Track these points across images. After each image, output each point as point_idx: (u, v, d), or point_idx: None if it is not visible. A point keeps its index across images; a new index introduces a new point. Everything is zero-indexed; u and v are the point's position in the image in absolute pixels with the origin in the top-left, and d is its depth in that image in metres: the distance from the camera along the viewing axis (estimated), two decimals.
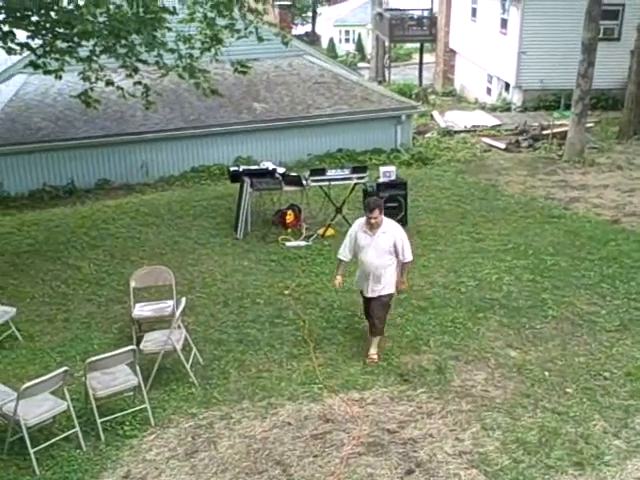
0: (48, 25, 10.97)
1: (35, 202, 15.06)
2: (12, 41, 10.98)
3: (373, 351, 8.28)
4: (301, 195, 12.80)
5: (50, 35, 11.11)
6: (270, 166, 13.07)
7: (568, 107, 18.59)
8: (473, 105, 26.45)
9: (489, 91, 26.77)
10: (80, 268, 11.17)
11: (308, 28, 56.54)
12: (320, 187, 12.55)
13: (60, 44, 11.20)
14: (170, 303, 8.87)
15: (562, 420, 7.11)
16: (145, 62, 11.68)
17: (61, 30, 10.95)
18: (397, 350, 8.47)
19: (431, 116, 23.44)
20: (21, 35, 11.19)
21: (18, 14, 10.79)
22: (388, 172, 12.82)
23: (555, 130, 18.82)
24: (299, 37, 34.59)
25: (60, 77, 11.65)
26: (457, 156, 17.90)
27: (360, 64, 42.84)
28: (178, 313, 7.91)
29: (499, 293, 9.93)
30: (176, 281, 9.19)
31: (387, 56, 36.46)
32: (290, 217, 12.62)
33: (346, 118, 17.58)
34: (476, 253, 11.39)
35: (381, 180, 12.70)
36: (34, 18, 10.90)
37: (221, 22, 12.01)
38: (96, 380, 7.12)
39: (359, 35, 50.93)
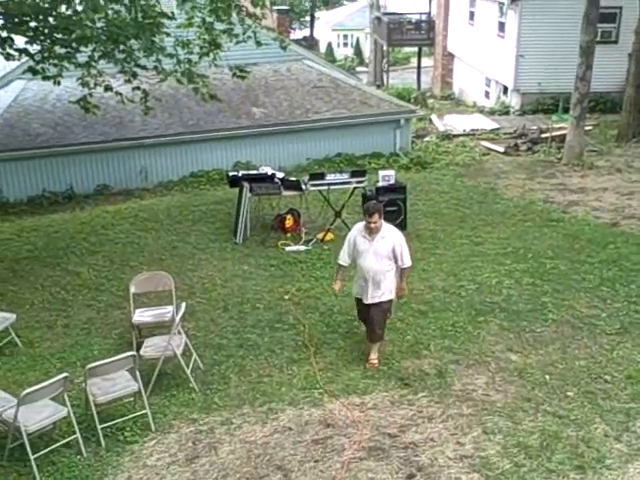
0: (46, 31, 10.97)
1: (34, 208, 15.05)
2: (10, 47, 10.97)
3: (373, 356, 8.27)
4: (300, 200, 12.80)
5: (48, 41, 11.11)
6: (269, 171, 13.08)
7: (566, 110, 18.64)
8: (471, 109, 26.48)
9: (487, 94, 26.82)
10: (79, 274, 11.16)
11: (306, 33, 56.61)
12: (319, 191, 12.55)
13: (59, 50, 11.20)
14: (170, 308, 8.87)
15: (563, 424, 7.10)
16: (144, 67, 11.67)
17: (59, 36, 10.94)
18: (397, 354, 8.46)
19: (430, 120, 23.47)
20: (19, 41, 11.18)
21: (16, 20, 10.78)
22: (387, 176, 12.83)
23: (554, 133, 18.85)
24: (297, 42, 34.59)
25: (59, 83, 11.63)
26: (456, 160, 17.92)
27: (358, 68, 42.93)
28: (178, 318, 7.90)
29: (499, 297, 9.93)
30: (176, 286, 9.18)
31: (385, 60, 36.53)
32: (289, 222, 12.62)
33: (345, 122, 17.60)
34: (475, 257, 11.39)
35: (380, 184, 12.71)
36: (32, 24, 10.89)
37: (219, 27, 12.02)
38: (96, 386, 7.11)
39: (357, 39, 51.05)
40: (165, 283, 9.09)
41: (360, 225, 8.22)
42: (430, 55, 36.22)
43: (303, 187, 12.42)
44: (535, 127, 20.30)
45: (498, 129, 21.38)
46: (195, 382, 7.94)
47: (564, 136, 17.78)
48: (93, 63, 11.40)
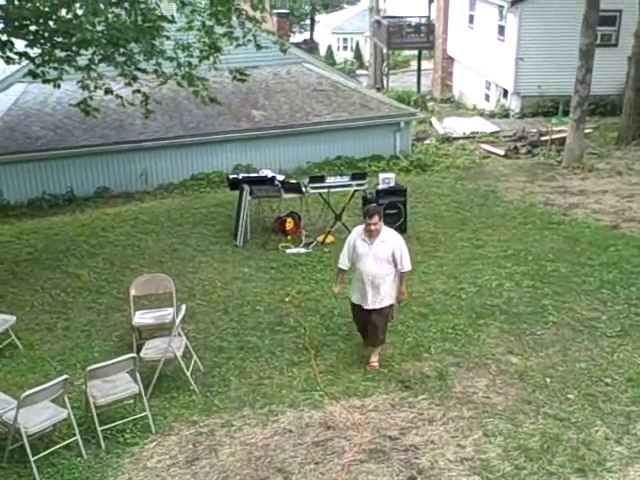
0: (47, 34, 10.98)
1: (34, 210, 15.05)
2: (11, 50, 10.99)
3: (374, 358, 8.26)
4: (300, 202, 12.81)
5: (49, 44, 11.12)
6: (269, 173, 13.09)
7: (566, 113, 18.66)
8: (471, 112, 26.49)
9: (487, 97, 26.83)
10: (80, 276, 11.16)
11: (306, 36, 56.70)
12: (319, 194, 12.55)
13: (59, 53, 11.21)
14: (170, 311, 8.86)
15: (564, 426, 7.10)
16: (144, 70, 11.70)
17: (60, 39, 10.96)
18: (398, 357, 8.45)
19: (430, 123, 23.47)
20: (20, 44, 11.20)
21: (17, 23, 10.80)
22: (387, 179, 12.83)
23: (554, 136, 18.85)
24: (297, 45, 34.67)
25: (59, 86, 11.68)
26: (456, 162, 17.93)
27: (358, 71, 42.94)
28: (178, 321, 7.90)
29: (499, 299, 9.92)
30: (176, 289, 9.18)
31: (385, 63, 36.56)
32: (290, 224, 12.62)
33: (345, 125, 17.60)
34: (476, 259, 11.39)
35: (380, 187, 12.71)
36: (33, 27, 10.91)
37: (219, 30, 12.05)
38: (96, 388, 7.11)
39: (357, 43, 51.10)
40: (165, 285, 9.10)
41: (360, 228, 8.18)
42: (430, 58, 36.25)
43: (303, 190, 12.43)
44: (535, 130, 20.31)
45: (498, 132, 21.39)
46: (195, 384, 7.94)
47: (564, 139, 17.79)
48: (93, 66, 11.42)
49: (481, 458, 6.66)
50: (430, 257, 11.52)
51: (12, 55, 11.09)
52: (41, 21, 10.85)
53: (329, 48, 50.28)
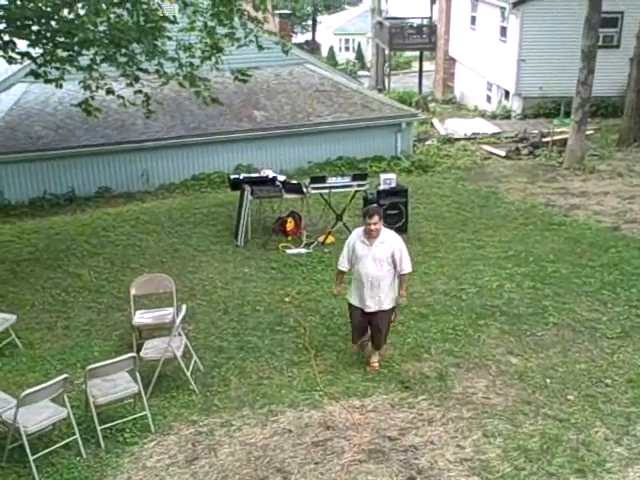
0: (49, 34, 10.99)
1: (35, 210, 15.06)
2: (13, 50, 11.00)
3: (374, 359, 8.25)
4: (301, 203, 12.81)
5: (51, 44, 11.13)
6: (270, 174, 13.09)
7: (568, 114, 18.64)
8: (473, 113, 26.50)
9: (489, 99, 26.83)
10: (80, 276, 11.16)
11: (308, 37, 56.72)
12: (320, 195, 12.56)
13: (61, 53, 11.21)
14: (170, 310, 8.87)
15: (563, 427, 7.09)
16: (145, 71, 11.70)
17: (62, 39, 10.96)
18: (398, 357, 8.45)
19: (431, 124, 23.48)
20: (22, 44, 11.22)
21: (19, 23, 10.81)
22: (388, 179, 12.84)
23: (555, 137, 18.85)
24: (299, 46, 34.67)
25: (61, 86, 11.68)
26: (457, 163, 17.93)
27: (360, 72, 42.95)
28: (178, 320, 7.90)
29: (500, 300, 9.92)
30: (176, 288, 9.18)
31: (387, 64, 36.57)
32: (290, 225, 12.62)
33: (346, 126, 17.60)
34: (477, 260, 11.38)
35: (381, 187, 12.71)
36: (35, 27, 10.91)
37: (221, 31, 12.05)
38: (96, 387, 7.11)
39: (359, 44, 51.11)
40: (166, 285, 9.10)
41: (359, 230, 8.11)
42: (432, 59, 36.26)
43: (304, 190, 12.43)
44: (536, 131, 20.32)
45: (499, 133, 21.39)
46: (195, 384, 7.94)
47: (565, 140, 17.79)
48: (95, 66, 11.42)
49: (481, 459, 6.65)
50: (431, 258, 11.52)
51: (14, 55, 11.09)
52: (43, 21, 10.86)
53: (331, 49, 50.28)
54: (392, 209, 12.40)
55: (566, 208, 14.12)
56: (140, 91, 12.14)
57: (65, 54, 11.16)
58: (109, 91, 12.02)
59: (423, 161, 17.73)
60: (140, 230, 13.21)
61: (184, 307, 8.16)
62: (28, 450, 6.50)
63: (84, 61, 11.37)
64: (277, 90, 18.67)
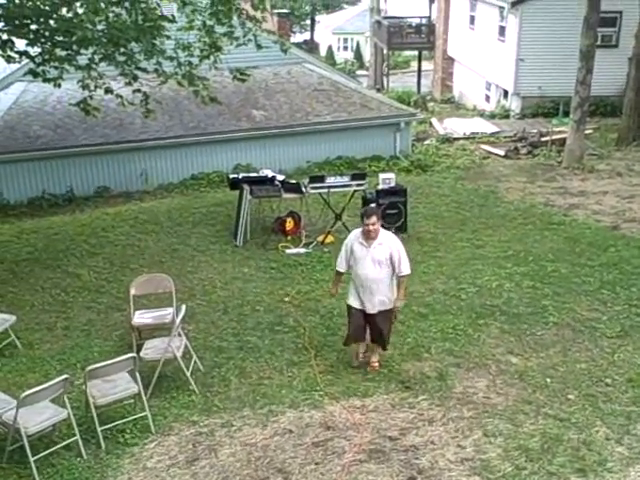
0: (47, 33, 10.96)
1: (34, 210, 15.04)
2: (11, 49, 10.97)
3: (374, 358, 8.24)
4: (300, 202, 12.80)
5: (49, 43, 11.10)
6: (269, 173, 13.08)
7: (567, 114, 18.65)
8: (472, 112, 26.48)
9: (488, 98, 26.83)
10: (79, 276, 11.15)
11: (307, 36, 56.69)
12: (319, 194, 12.55)
13: (59, 52, 11.18)
14: (170, 310, 8.85)
15: (564, 427, 7.09)
16: (144, 70, 11.67)
17: (60, 38, 10.93)
18: (398, 357, 8.44)
19: (430, 123, 23.47)
20: (20, 43, 11.19)
21: (17, 22, 10.78)
22: (387, 179, 12.83)
23: (554, 137, 18.85)
24: (298, 45, 34.62)
25: (59, 85, 11.64)
26: (456, 163, 17.93)
27: (359, 72, 42.92)
28: (178, 320, 7.89)
29: (499, 300, 9.92)
30: (176, 288, 9.17)
31: (385, 64, 36.54)
32: (290, 224, 12.61)
33: (345, 125, 17.59)
34: (476, 260, 11.38)
35: (380, 187, 12.70)
36: (33, 26, 10.89)
37: (220, 30, 12.03)
38: (96, 388, 7.10)
39: (357, 43, 51.09)
40: (165, 285, 9.09)
41: (357, 231, 8.03)
42: (430, 59, 36.25)
43: (303, 190, 12.42)
44: (535, 131, 20.30)
45: (498, 132, 21.38)
46: (195, 384, 7.93)
47: (564, 140, 17.78)
48: (94, 65, 11.40)
49: (481, 458, 6.65)
50: (430, 257, 11.52)
51: (12, 54, 11.07)
52: (42, 20, 10.83)
53: (329, 48, 50.26)
54: (391, 209, 12.41)
55: (565, 207, 14.13)
56: (139, 90, 12.11)
57: (64, 53, 11.13)
58: (108, 90, 12.00)
59: (422, 160, 17.73)
60: (139, 230, 13.20)
61: (184, 307, 8.14)
62: (28, 451, 6.48)
63: (83, 60, 11.34)
64: (276, 89, 18.65)
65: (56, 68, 11.36)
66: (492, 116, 24.48)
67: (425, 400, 7.62)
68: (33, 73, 11.39)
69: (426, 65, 35.74)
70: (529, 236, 12.41)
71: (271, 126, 17.16)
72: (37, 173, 15.58)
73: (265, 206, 13.28)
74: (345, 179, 12.57)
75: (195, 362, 8.24)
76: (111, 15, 11.03)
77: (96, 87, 11.96)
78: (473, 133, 21.35)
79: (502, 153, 18.74)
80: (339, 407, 7.52)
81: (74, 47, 10.99)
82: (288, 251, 11.93)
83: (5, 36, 10.89)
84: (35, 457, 6.55)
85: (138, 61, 11.47)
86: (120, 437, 7.13)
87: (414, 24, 35.48)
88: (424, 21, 35.92)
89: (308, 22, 57.33)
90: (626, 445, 6.81)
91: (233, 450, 6.90)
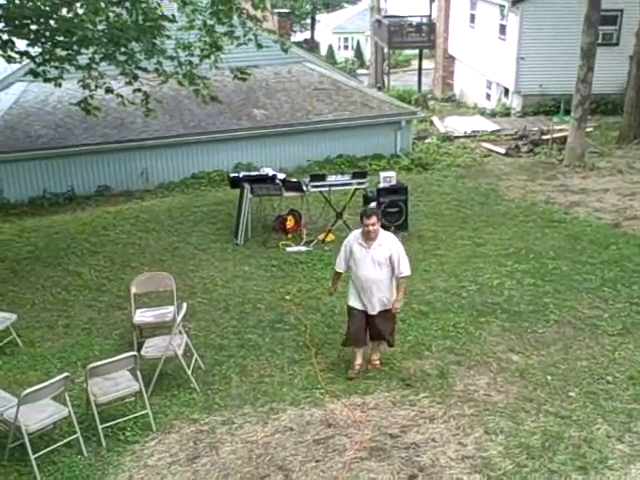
0: (47, 33, 10.96)
1: (35, 209, 15.06)
2: (12, 49, 10.97)
3: (375, 356, 8.23)
4: (301, 201, 12.80)
5: (50, 43, 11.11)
6: (270, 172, 13.08)
7: (568, 112, 18.62)
8: (472, 110, 26.49)
9: (488, 96, 26.82)
10: (80, 274, 11.16)
11: (307, 35, 56.65)
12: (320, 193, 12.54)
13: (60, 52, 11.19)
14: (171, 309, 8.86)
15: (565, 424, 7.08)
16: (145, 69, 11.68)
17: (61, 38, 10.94)
18: (399, 355, 8.43)
19: (431, 122, 23.47)
20: (21, 44, 11.20)
21: (17, 22, 10.79)
22: (388, 177, 12.83)
23: (555, 135, 18.84)
24: (298, 44, 34.59)
25: (60, 85, 11.65)
26: (457, 161, 17.93)
27: (359, 71, 42.92)
28: (179, 319, 7.89)
29: (500, 297, 9.91)
30: (177, 287, 9.16)
31: (386, 62, 36.53)
32: (290, 223, 12.61)
33: (346, 124, 17.60)
34: (477, 257, 11.38)
35: (381, 185, 12.71)
36: (33, 27, 10.89)
37: (220, 29, 12.02)
38: (97, 386, 7.10)
39: (358, 42, 51.05)
40: (166, 283, 9.09)
41: (357, 232, 7.95)
42: (431, 57, 36.23)
43: (304, 188, 12.41)
44: (536, 129, 20.31)
45: (499, 131, 21.38)
46: (196, 382, 7.93)
47: (565, 138, 17.79)
48: (94, 65, 11.41)
49: (482, 456, 6.64)
50: (431, 255, 11.51)
51: (13, 54, 11.07)
52: (42, 20, 10.83)
53: (330, 47, 50.24)
54: (392, 207, 12.42)
55: (566, 205, 14.12)
56: (139, 90, 12.12)
57: (64, 53, 11.14)
58: (108, 90, 12.01)
59: (423, 159, 17.75)
60: (140, 229, 13.21)
61: (185, 305, 8.14)
62: (29, 449, 6.49)
63: (83, 60, 11.35)
64: (276, 88, 18.65)
65: (56, 68, 11.37)
66: (493, 114, 24.49)
67: (426, 398, 7.62)
68: (34, 73, 11.40)
69: (427, 64, 35.71)
70: (530, 234, 12.40)
71: (272, 125, 17.17)
72: (38, 172, 15.60)
73: (266, 205, 13.28)
74: (346, 178, 12.57)
75: (196, 360, 8.25)
76: (111, 15, 11.03)
77: (97, 87, 11.98)
78: (474, 131, 21.35)
79: (503, 151, 18.74)
80: (340, 405, 7.52)
81: (74, 47, 10.99)
82: (289, 249, 11.93)
83: (5, 36, 10.90)
84: (36, 455, 6.56)
85: (139, 61, 11.49)
86: (121, 435, 7.13)
87: (414, 23, 35.45)
88: (424, 20, 35.90)
89: (308, 21, 57.29)
90: (627, 443, 6.81)
91: (234, 448, 6.90)
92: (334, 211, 12.54)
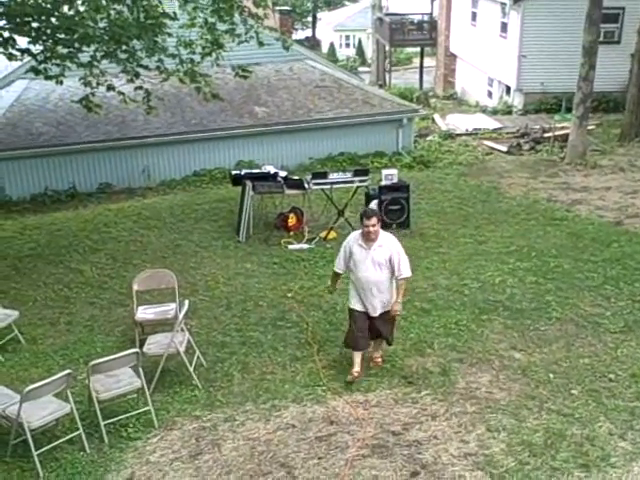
0: (49, 31, 10.94)
1: (37, 206, 15.06)
2: (13, 47, 10.96)
3: (377, 354, 8.23)
4: (303, 198, 12.79)
5: (51, 41, 11.09)
6: (272, 170, 13.07)
7: (569, 110, 18.62)
8: (474, 108, 26.47)
9: (490, 94, 26.81)
10: (82, 271, 11.16)
11: (308, 33, 56.67)
12: (322, 190, 12.54)
13: (61, 50, 11.18)
14: (173, 306, 8.86)
15: (567, 422, 7.08)
16: (146, 67, 11.68)
17: (62, 36, 10.92)
18: (401, 352, 8.43)
19: (432, 119, 23.47)
20: (22, 41, 11.19)
21: (19, 20, 10.78)
22: (390, 175, 12.83)
23: (557, 133, 18.84)
24: (299, 42, 34.59)
25: (61, 82, 11.63)
26: (459, 159, 17.92)
27: (361, 68, 42.92)
28: (181, 316, 7.88)
29: (502, 295, 9.90)
30: (178, 284, 9.17)
31: (387, 60, 36.51)
32: (292, 220, 12.61)
33: (347, 122, 17.59)
34: (479, 255, 11.37)
35: (383, 183, 12.71)
36: (35, 24, 10.88)
37: (222, 27, 12.02)
38: (99, 383, 7.10)
39: (359, 40, 51.03)
40: (168, 281, 9.09)
41: (356, 233, 7.88)
42: (432, 55, 36.21)
43: (306, 186, 12.41)
44: (538, 127, 20.30)
45: (501, 129, 21.37)
46: (198, 379, 7.93)
47: (567, 135, 17.78)
48: (95, 63, 11.39)
49: (485, 453, 6.64)
50: (433, 253, 11.51)
51: (14, 52, 11.05)
52: (43, 18, 10.81)
53: (331, 45, 50.23)
54: (394, 205, 12.43)
55: (568, 203, 14.11)
56: (140, 87, 12.11)
57: (65, 51, 11.12)
58: (109, 87, 11.99)
59: (424, 157, 17.74)
60: (142, 226, 13.21)
61: (187, 302, 8.14)
62: (32, 445, 6.49)
63: (84, 58, 11.33)
64: (278, 86, 18.64)
65: (58, 65, 11.36)
66: (494, 112, 24.47)
67: (428, 395, 7.61)
68: (35, 71, 11.39)
69: (428, 61, 35.69)
70: (532, 232, 12.40)
71: (273, 122, 17.16)
72: (40, 170, 15.60)
73: (267, 202, 13.26)
74: (348, 175, 12.56)
75: (198, 357, 8.25)
76: (113, 12, 11.03)
77: (98, 84, 11.96)
78: (475, 129, 21.33)
79: (504, 149, 18.73)
80: (342, 402, 7.52)
81: (76, 44, 10.98)
82: (291, 247, 11.93)
83: (7, 34, 10.88)
84: (38, 451, 6.57)
85: (140, 58, 11.48)
86: (123, 431, 7.14)
87: (416, 21, 35.45)
88: (426, 18, 35.90)
89: (310, 19, 57.32)
90: (629, 440, 6.80)
91: (236, 445, 6.90)
92: (336, 209, 12.54)
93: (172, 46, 11.78)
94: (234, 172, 13.29)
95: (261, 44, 12.00)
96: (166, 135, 16.33)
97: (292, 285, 10.44)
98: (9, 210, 14.74)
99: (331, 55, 46.30)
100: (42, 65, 11.31)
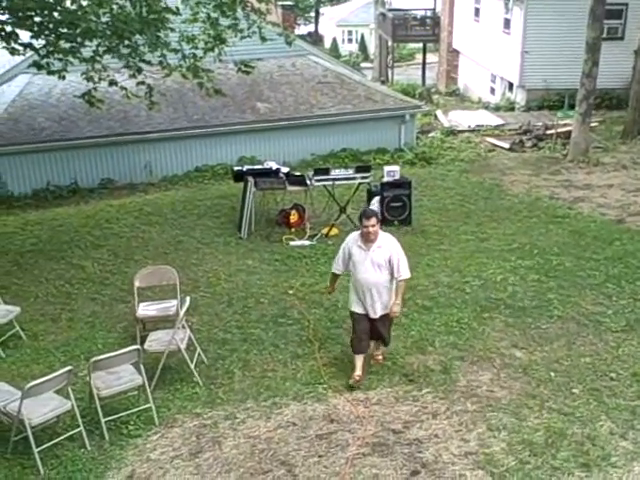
0: (51, 25, 10.95)
1: (39, 202, 15.07)
2: (15, 42, 10.98)
3: (378, 352, 8.23)
4: (305, 195, 12.78)
5: (53, 35, 11.09)
6: (274, 166, 13.06)
7: (572, 107, 18.57)
8: (477, 105, 26.41)
9: (493, 91, 26.74)
10: (84, 267, 11.16)
11: (311, 28, 56.55)
12: (324, 187, 12.52)
13: (63, 44, 11.17)
14: (174, 302, 8.85)
15: (568, 421, 7.07)
16: (148, 62, 11.67)
17: (64, 30, 10.92)
18: (402, 350, 8.42)
19: (435, 116, 23.41)
20: (24, 35, 11.18)
21: (21, 14, 10.77)
22: (392, 171, 12.81)
23: (559, 130, 18.79)
24: (302, 37, 34.52)
25: (63, 77, 11.64)
26: (461, 156, 17.89)
27: (363, 64, 42.84)
28: (182, 312, 7.89)
29: (504, 293, 9.89)
30: (180, 280, 9.16)
31: (390, 56, 36.43)
32: (294, 217, 12.59)
33: (350, 118, 17.56)
34: (481, 253, 11.36)
35: (385, 180, 12.70)
36: (37, 19, 10.88)
37: (224, 22, 12.00)
38: (100, 379, 7.10)
39: (362, 35, 50.93)
40: (169, 277, 9.09)
41: (355, 234, 7.81)
42: (435, 51, 36.12)
43: (308, 182, 12.40)
44: (540, 123, 20.23)
45: (503, 125, 21.31)
46: (199, 376, 7.93)
47: (569, 132, 17.72)
48: (98, 58, 11.41)
49: (485, 452, 6.63)
50: (434, 250, 11.49)
51: (17, 46, 11.07)
52: (46, 12, 10.81)
53: (334, 41, 50.15)
54: (396, 201, 12.42)
55: (570, 201, 14.08)
56: (143, 82, 12.10)
57: (68, 45, 11.12)
58: (112, 82, 11.99)
59: (427, 153, 17.70)
60: (143, 222, 13.21)
61: (188, 299, 8.14)
62: (32, 442, 6.50)
63: (87, 52, 11.34)
64: (280, 82, 18.61)
65: (60, 60, 11.35)
66: (497, 109, 24.41)
67: (429, 393, 7.61)
68: (37, 65, 11.39)
69: (431, 57, 35.60)
70: (534, 229, 12.37)
71: (275, 118, 17.15)
72: (41, 165, 15.60)
73: (269, 198, 13.25)
74: (350, 172, 12.55)
75: (199, 354, 8.25)
76: (115, 7, 11.01)
77: (100, 79, 11.95)
78: (478, 126, 21.28)
79: (507, 146, 18.69)
80: (343, 400, 7.52)
81: (78, 39, 10.98)
82: (292, 243, 11.92)
83: (9, 28, 10.89)
84: (39, 448, 6.57)
85: (142, 53, 11.47)
86: (124, 429, 7.14)
87: (419, 16, 35.30)
88: (429, 13, 35.75)
89: (312, 14, 57.18)
90: (630, 440, 6.79)
91: (237, 442, 6.90)
92: (338, 205, 12.52)
93: (175, 41, 11.78)
94: (236, 168, 13.29)
95: (264, 39, 12.00)
96: (168, 131, 16.33)
97: (293, 282, 10.43)
98: (11, 205, 14.76)
99: (333, 50, 46.24)
100: (44, 60, 11.31)
